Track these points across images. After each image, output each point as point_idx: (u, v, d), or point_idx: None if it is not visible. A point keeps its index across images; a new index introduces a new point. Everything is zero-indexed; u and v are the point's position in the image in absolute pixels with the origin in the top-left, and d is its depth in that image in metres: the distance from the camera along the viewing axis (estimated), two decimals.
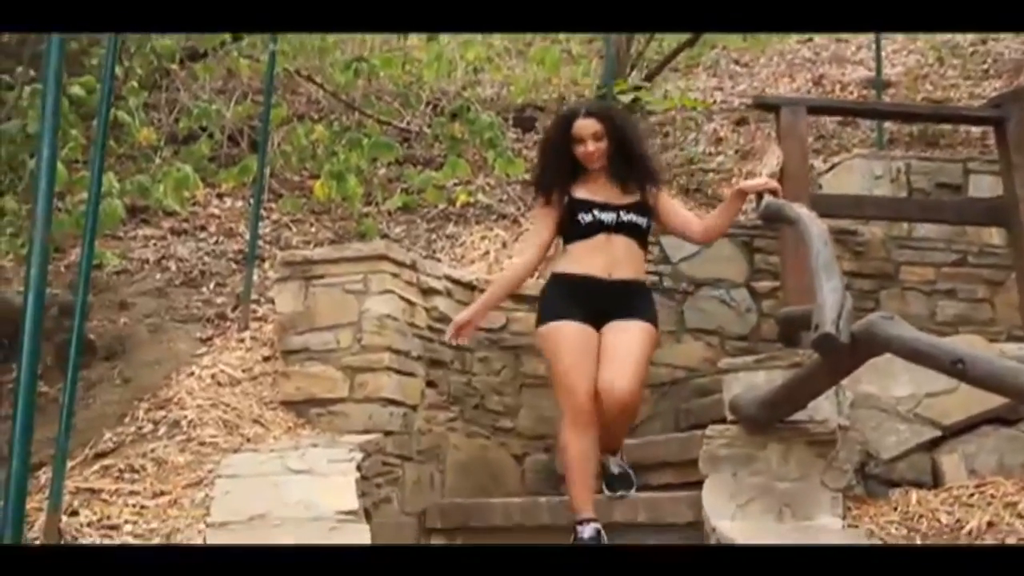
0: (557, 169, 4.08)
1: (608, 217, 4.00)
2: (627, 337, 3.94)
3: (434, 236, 6.79)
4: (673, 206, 4.23)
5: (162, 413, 4.61)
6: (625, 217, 4.01)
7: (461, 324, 4.12)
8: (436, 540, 4.85)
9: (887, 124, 7.72)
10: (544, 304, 4.08)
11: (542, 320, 4.04)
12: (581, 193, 4.07)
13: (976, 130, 7.60)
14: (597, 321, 3.97)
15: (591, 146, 4.02)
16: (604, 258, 3.98)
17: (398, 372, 4.87)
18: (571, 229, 4.05)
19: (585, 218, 4.00)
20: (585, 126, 4.03)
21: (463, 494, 5.16)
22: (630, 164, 4.06)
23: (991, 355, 3.08)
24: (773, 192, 4.03)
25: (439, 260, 6.26)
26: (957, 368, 2.94)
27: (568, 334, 3.93)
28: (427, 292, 5.22)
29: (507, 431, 5.45)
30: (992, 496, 4.10)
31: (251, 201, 6.07)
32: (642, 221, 4.06)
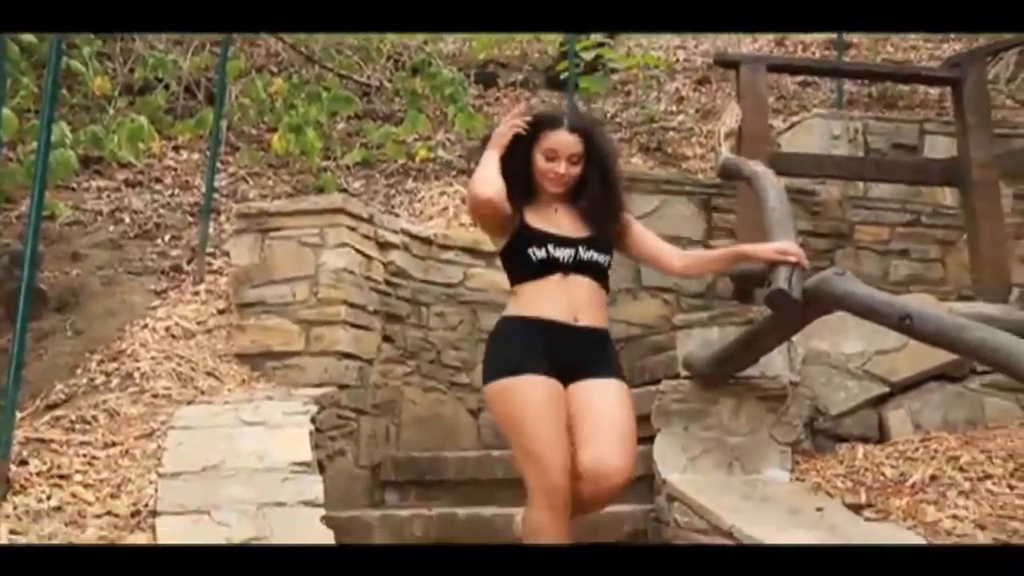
0: (515, 181, 3.23)
1: (564, 254, 3.20)
2: (609, 403, 3.15)
3: (393, 191, 6.76)
4: (642, 233, 3.43)
5: (115, 365, 4.58)
6: (585, 254, 3.23)
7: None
8: (390, 493, 4.88)
9: (847, 85, 7.76)
10: (496, 354, 3.20)
11: (495, 374, 3.13)
12: (533, 220, 3.25)
13: (934, 92, 7.66)
14: (562, 376, 3.15)
15: (563, 168, 3.24)
16: (564, 301, 3.18)
17: (354, 326, 4.87)
18: (518, 264, 3.24)
19: (537, 253, 3.19)
20: (566, 144, 3.25)
21: (418, 448, 5.18)
22: (601, 194, 3.29)
23: (938, 312, 3.13)
24: (783, 263, 3.32)
25: (397, 215, 6.24)
26: (905, 324, 2.99)
27: (534, 393, 3.06)
28: (384, 246, 5.20)
29: (463, 386, 5.47)
30: (936, 450, 4.18)
31: (208, 154, 6.00)
32: (603, 259, 3.27)
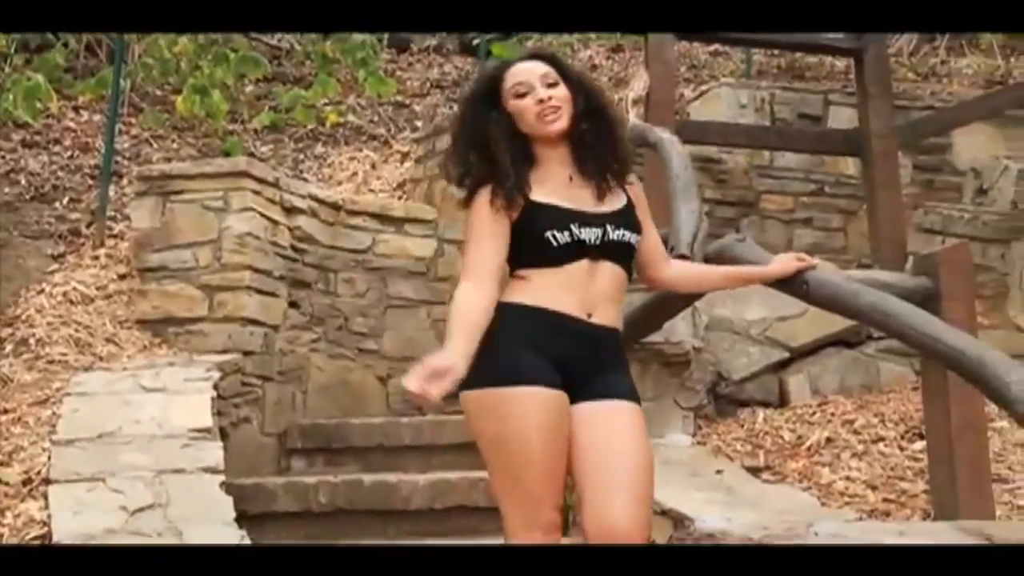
0: (500, 151, 2.52)
1: (591, 235, 2.51)
2: (626, 443, 2.44)
3: (302, 156, 6.67)
4: (647, 221, 2.69)
5: (9, 331, 4.45)
6: (614, 234, 2.55)
7: (434, 374, 2.27)
8: (296, 460, 4.84)
9: (757, 56, 7.85)
10: (494, 351, 2.43)
11: (483, 379, 2.40)
12: (544, 194, 2.53)
13: (841, 64, 7.79)
14: (567, 386, 2.47)
15: (543, 92, 2.51)
16: (582, 292, 2.50)
17: (259, 292, 4.80)
18: (533, 250, 2.52)
19: (559, 237, 2.49)
20: (529, 69, 2.55)
21: (326, 415, 5.15)
22: (602, 137, 2.58)
23: (834, 278, 3.20)
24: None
25: (306, 180, 6.16)
26: (802, 289, 3.05)
27: (534, 411, 2.40)
28: (291, 211, 5.13)
29: (372, 353, 5.43)
30: (832, 414, 4.30)
31: (108, 114, 5.84)
32: (634, 238, 2.59)
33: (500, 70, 2.59)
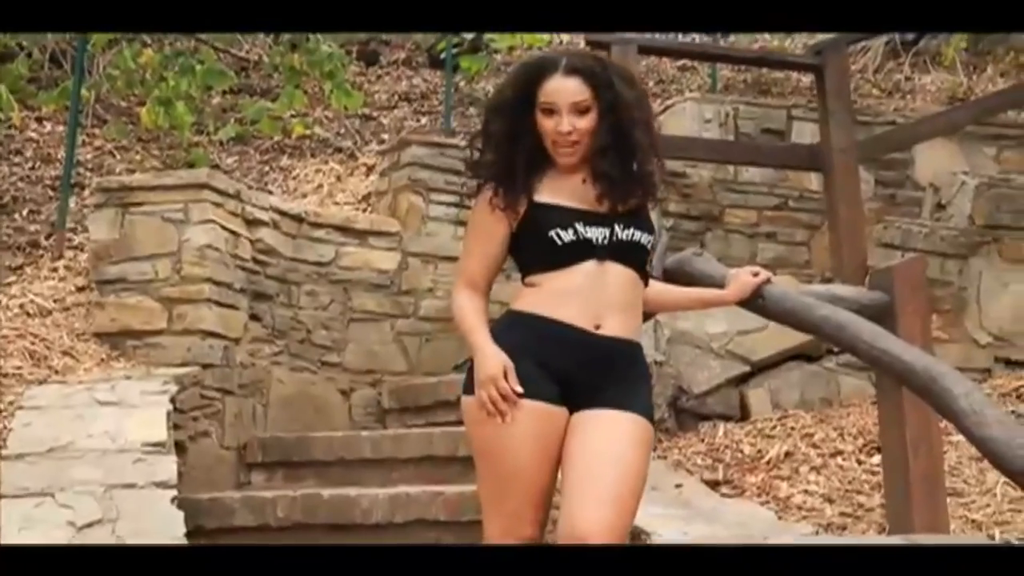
0: (516, 151, 2.47)
1: (598, 234, 2.44)
2: (610, 445, 2.36)
3: (267, 168, 6.64)
4: None
5: None
6: (623, 233, 2.45)
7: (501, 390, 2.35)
8: (256, 474, 4.80)
9: (724, 71, 7.90)
10: None
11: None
12: (549, 194, 2.47)
13: (806, 79, 7.85)
14: (567, 396, 2.41)
15: (566, 124, 2.42)
16: (590, 300, 2.42)
17: (219, 304, 4.77)
18: (537, 251, 2.46)
19: (563, 236, 2.42)
20: (563, 90, 2.43)
21: (287, 428, 5.11)
22: (612, 157, 2.44)
23: (792, 292, 3.21)
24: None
25: (271, 192, 6.13)
26: (759, 303, 3.06)
27: (530, 425, 2.36)
28: (252, 223, 5.10)
29: (334, 366, 5.40)
30: (792, 428, 4.32)
31: (69, 124, 5.79)
32: (647, 240, 2.49)
33: (539, 73, 2.47)
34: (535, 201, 2.45)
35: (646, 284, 2.53)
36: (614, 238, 2.43)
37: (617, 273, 2.42)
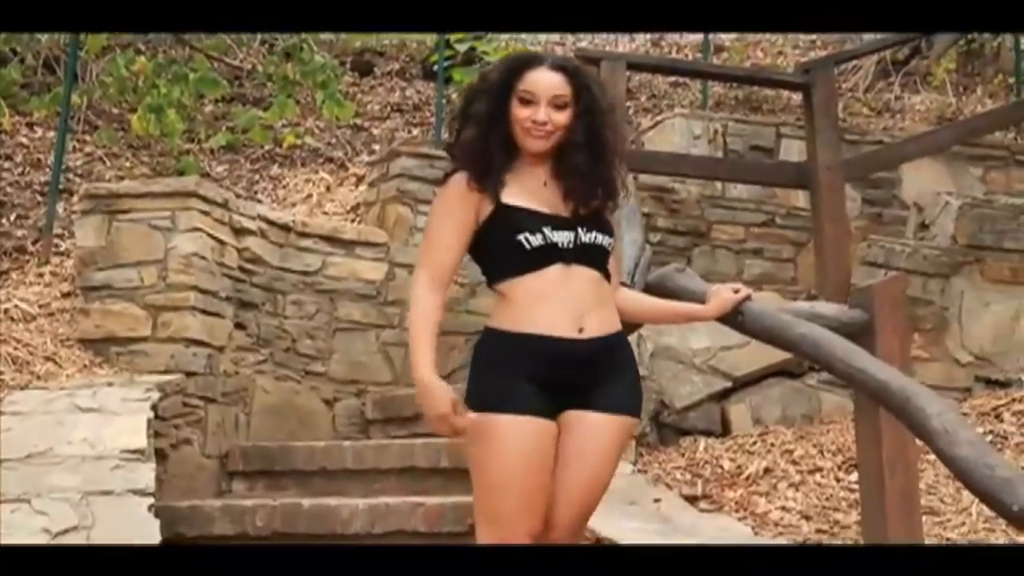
0: (492, 133, 2.51)
1: (564, 238, 2.48)
2: (591, 456, 2.48)
3: (257, 177, 6.65)
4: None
5: None
6: (586, 236, 2.51)
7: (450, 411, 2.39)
8: (237, 483, 4.80)
9: (716, 88, 7.93)
10: (477, 378, 2.50)
11: (479, 403, 2.44)
12: (514, 196, 2.50)
13: (796, 98, 7.89)
14: (558, 402, 2.48)
15: (543, 113, 2.48)
16: (567, 305, 2.46)
17: (204, 312, 4.77)
18: (503, 256, 2.49)
19: (531, 240, 2.46)
20: (546, 83, 2.50)
21: (271, 437, 5.11)
22: (584, 158, 2.52)
23: (770, 309, 3.22)
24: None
25: (260, 201, 6.14)
26: (738, 320, 3.08)
27: (522, 442, 2.41)
28: (240, 232, 5.11)
29: (318, 375, 5.40)
30: (772, 444, 4.33)
31: (59, 130, 5.80)
32: (607, 242, 2.55)
33: (525, 64, 2.55)
34: (502, 202, 2.48)
35: (610, 282, 2.58)
36: (578, 241, 2.49)
37: (584, 275, 2.49)
